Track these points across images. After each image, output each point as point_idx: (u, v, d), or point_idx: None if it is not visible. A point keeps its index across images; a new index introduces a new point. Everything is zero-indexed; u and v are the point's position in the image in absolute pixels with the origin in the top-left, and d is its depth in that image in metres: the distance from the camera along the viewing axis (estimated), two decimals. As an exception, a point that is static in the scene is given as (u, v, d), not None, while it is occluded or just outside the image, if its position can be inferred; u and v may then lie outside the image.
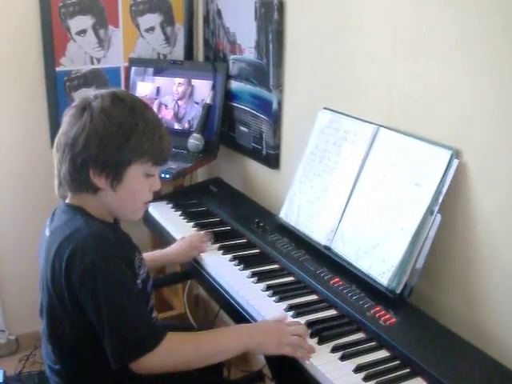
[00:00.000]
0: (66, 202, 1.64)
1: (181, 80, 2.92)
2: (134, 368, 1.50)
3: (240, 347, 1.60)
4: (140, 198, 1.64)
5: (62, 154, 1.56)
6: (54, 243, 1.54)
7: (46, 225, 1.68)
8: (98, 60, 2.95)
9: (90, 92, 1.61)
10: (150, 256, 2.00)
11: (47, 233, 1.63)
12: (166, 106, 2.96)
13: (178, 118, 2.93)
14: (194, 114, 2.88)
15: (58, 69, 2.86)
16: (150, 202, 1.70)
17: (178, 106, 2.93)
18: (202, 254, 2.07)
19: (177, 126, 2.92)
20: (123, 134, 1.53)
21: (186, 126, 2.90)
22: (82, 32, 2.87)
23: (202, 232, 2.18)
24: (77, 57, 2.89)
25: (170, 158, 1.67)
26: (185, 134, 2.84)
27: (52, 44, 2.81)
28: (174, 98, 2.93)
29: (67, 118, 1.57)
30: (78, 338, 1.58)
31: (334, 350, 1.55)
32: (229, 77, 2.79)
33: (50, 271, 1.54)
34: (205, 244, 2.11)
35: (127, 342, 1.49)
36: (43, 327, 1.66)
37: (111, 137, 1.52)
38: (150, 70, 2.99)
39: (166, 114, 2.95)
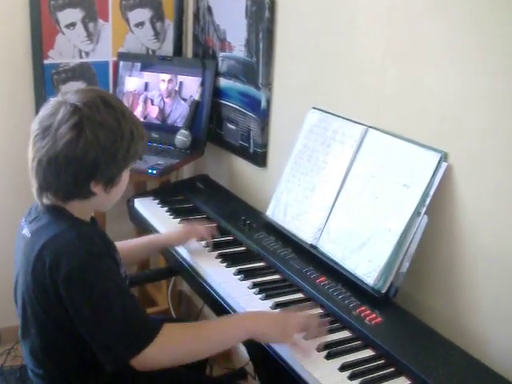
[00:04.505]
0: (45, 202, 1.59)
1: (167, 77, 2.91)
2: (134, 364, 1.46)
3: (243, 335, 1.57)
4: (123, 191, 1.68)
5: (58, 169, 1.50)
6: (36, 245, 1.51)
7: (21, 225, 1.65)
8: (87, 54, 2.93)
9: (71, 97, 1.53)
10: (146, 240, 2.08)
11: (27, 233, 1.59)
12: (152, 101, 2.95)
13: (163, 114, 2.92)
14: (180, 110, 2.88)
15: (45, 61, 2.84)
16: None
17: (164, 102, 2.92)
18: (188, 251, 2.06)
19: (164, 122, 2.92)
20: (126, 146, 1.54)
21: (173, 122, 2.90)
22: (71, 25, 2.86)
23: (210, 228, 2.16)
24: (65, 50, 2.87)
25: None
26: (172, 130, 2.83)
27: (40, 36, 2.79)
28: (162, 96, 2.92)
29: (62, 133, 1.48)
30: (63, 339, 1.55)
31: (320, 348, 1.55)
32: (217, 74, 2.79)
33: (31, 273, 1.51)
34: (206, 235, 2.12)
35: (124, 339, 1.45)
36: (20, 331, 1.63)
37: (117, 151, 1.53)
38: (139, 65, 2.97)
39: (152, 111, 2.95)
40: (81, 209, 1.60)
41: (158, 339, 1.47)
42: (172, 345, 1.51)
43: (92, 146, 1.48)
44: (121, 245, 1.78)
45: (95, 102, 1.52)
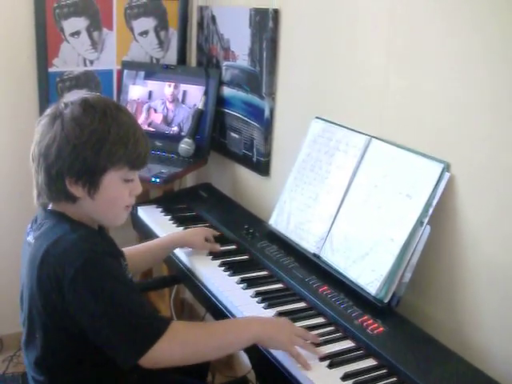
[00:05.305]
0: (48, 208, 1.62)
1: (173, 83, 2.93)
2: (144, 362, 1.44)
3: (251, 338, 1.56)
4: (120, 204, 1.61)
5: (38, 164, 1.53)
6: (40, 249, 1.51)
7: (27, 231, 1.65)
8: (91, 62, 2.96)
9: (62, 99, 1.57)
10: (167, 239, 2.09)
11: (31, 240, 1.59)
12: (155, 110, 2.97)
13: (167, 121, 2.94)
14: (183, 117, 2.89)
15: (50, 69, 2.87)
16: (132, 205, 1.65)
17: (167, 109, 2.94)
18: (191, 259, 2.07)
19: (167, 131, 2.93)
20: (95, 142, 1.49)
21: (176, 130, 2.91)
22: (76, 33, 2.88)
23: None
24: (70, 58, 2.90)
25: (148, 160, 1.61)
26: (175, 138, 2.85)
27: (45, 44, 2.82)
28: (169, 100, 2.94)
29: (40, 127, 1.54)
30: (66, 346, 1.54)
31: (322, 358, 1.55)
32: (221, 83, 2.81)
33: (36, 278, 1.50)
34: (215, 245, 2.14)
35: (134, 336, 1.44)
36: (24, 338, 1.61)
37: (83, 145, 1.48)
38: (143, 74, 3.00)
39: (156, 118, 2.96)
40: (77, 214, 1.58)
41: (166, 335, 1.45)
42: (181, 342, 1.49)
43: (56, 137, 1.49)
44: (129, 250, 1.80)
45: (75, 102, 1.53)
